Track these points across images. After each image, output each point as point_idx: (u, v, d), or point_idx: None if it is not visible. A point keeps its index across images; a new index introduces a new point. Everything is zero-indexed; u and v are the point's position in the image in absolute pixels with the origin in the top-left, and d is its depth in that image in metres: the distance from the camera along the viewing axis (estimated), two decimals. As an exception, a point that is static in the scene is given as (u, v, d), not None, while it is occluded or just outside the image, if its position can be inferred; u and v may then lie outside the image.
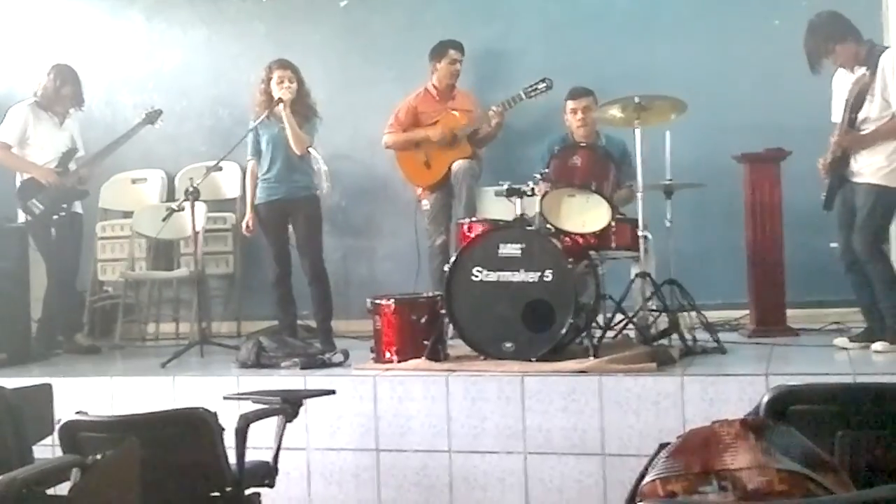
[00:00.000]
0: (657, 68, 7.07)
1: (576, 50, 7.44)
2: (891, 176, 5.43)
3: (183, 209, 6.54)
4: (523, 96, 6.88)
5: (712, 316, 6.08)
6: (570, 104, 6.61)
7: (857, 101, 5.46)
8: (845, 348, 5.59)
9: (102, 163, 7.45)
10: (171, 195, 8.09)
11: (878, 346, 5.47)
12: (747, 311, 6.52)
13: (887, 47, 5.58)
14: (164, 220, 6.66)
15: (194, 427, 3.43)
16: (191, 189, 6.45)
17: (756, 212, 6.38)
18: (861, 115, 5.48)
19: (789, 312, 6.34)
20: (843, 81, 5.63)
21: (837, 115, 5.67)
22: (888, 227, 5.66)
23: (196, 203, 6.58)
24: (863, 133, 5.49)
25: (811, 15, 5.70)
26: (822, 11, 5.64)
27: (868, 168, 5.50)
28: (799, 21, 5.79)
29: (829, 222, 5.85)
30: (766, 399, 2.93)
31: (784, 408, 2.88)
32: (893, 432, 2.78)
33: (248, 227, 6.76)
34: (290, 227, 6.67)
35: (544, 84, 6.84)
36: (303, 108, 6.58)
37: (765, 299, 6.37)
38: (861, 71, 5.48)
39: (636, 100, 5.68)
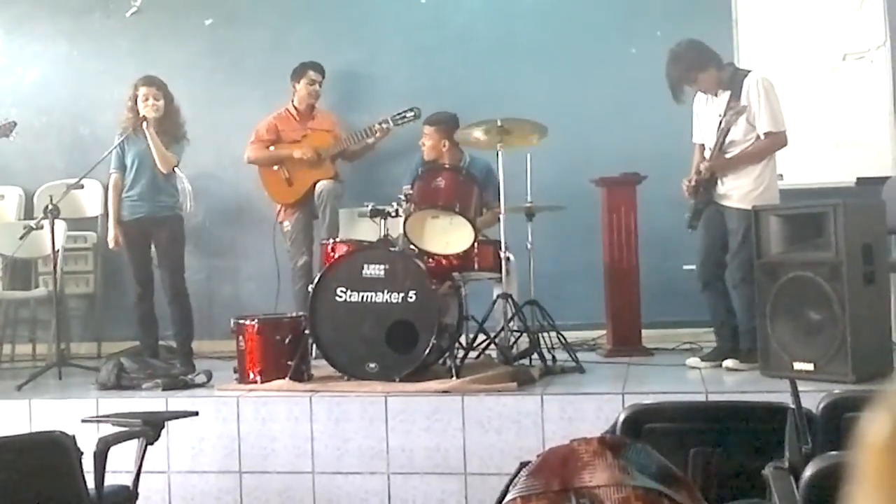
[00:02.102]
0: (519, 92, 7.21)
1: (440, 73, 7.55)
2: (759, 199, 5.55)
3: (41, 227, 6.39)
4: (391, 123, 6.95)
5: (571, 336, 6.21)
6: (424, 129, 6.74)
7: (727, 125, 5.62)
8: (696, 367, 5.75)
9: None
10: (29, 213, 7.89)
11: (728, 362, 5.63)
12: (604, 331, 6.67)
13: (750, 71, 5.73)
14: (21, 238, 6.47)
15: (51, 451, 3.36)
16: (50, 207, 6.30)
17: (613, 234, 6.54)
18: (728, 139, 5.64)
19: (644, 332, 6.52)
20: (704, 105, 5.81)
21: (699, 136, 5.85)
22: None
23: (55, 221, 6.42)
24: (729, 156, 5.66)
25: (666, 43, 5.84)
26: (683, 40, 5.75)
27: (736, 192, 5.64)
28: (654, 49, 5.96)
29: (682, 245, 6.05)
30: (622, 417, 3.03)
31: (639, 426, 2.98)
32: (743, 448, 2.90)
33: (116, 241, 6.52)
34: (153, 247, 6.57)
35: (412, 113, 6.94)
36: (172, 126, 6.45)
37: (621, 320, 6.53)
38: (726, 95, 5.65)
39: (498, 122, 5.78)
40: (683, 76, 5.68)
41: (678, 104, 5.77)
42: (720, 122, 5.63)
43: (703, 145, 5.85)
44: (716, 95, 5.73)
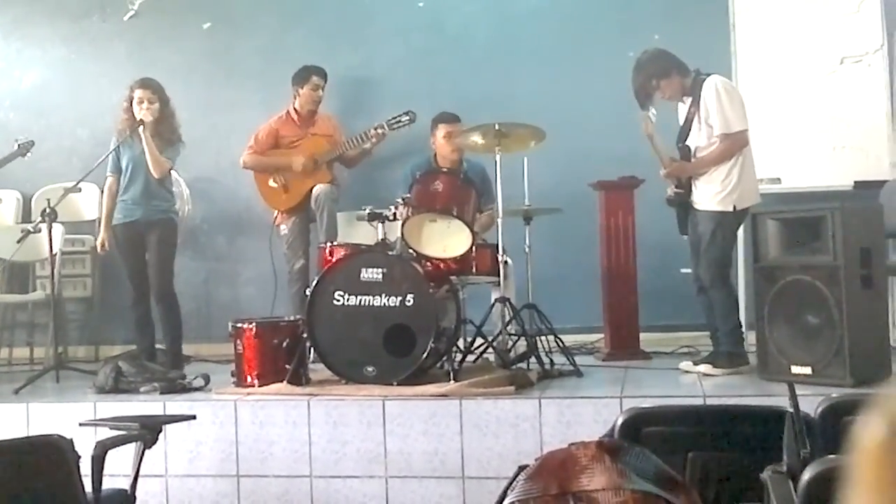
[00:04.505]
0: (517, 95, 7.22)
1: (438, 76, 7.55)
2: (726, 200, 5.58)
3: (39, 231, 6.38)
4: (386, 128, 6.93)
5: (569, 339, 6.20)
6: (445, 128, 6.67)
7: (683, 131, 5.69)
8: (689, 371, 5.74)
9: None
10: (27, 216, 7.89)
11: (701, 367, 5.64)
12: (602, 335, 6.67)
13: (709, 75, 5.73)
14: (19, 241, 6.46)
15: (49, 455, 3.35)
16: (48, 210, 6.30)
17: (611, 238, 6.54)
18: (692, 145, 5.70)
19: (642, 336, 6.52)
20: (681, 113, 5.85)
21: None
22: (731, 251, 5.84)
23: (53, 224, 6.41)
24: (693, 161, 5.71)
25: (664, 47, 5.89)
26: (649, 49, 5.86)
27: (705, 196, 5.67)
28: (652, 53, 5.96)
29: (679, 249, 6.05)
30: (620, 421, 3.03)
31: (637, 429, 2.98)
32: (741, 452, 2.90)
33: (102, 245, 6.56)
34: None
35: (407, 117, 6.93)
36: (166, 130, 6.43)
37: (619, 323, 6.52)
38: (689, 101, 5.71)
39: (496, 126, 5.76)
40: (646, 84, 5.75)
41: (644, 111, 5.82)
42: (680, 129, 5.72)
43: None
44: (682, 102, 5.79)
